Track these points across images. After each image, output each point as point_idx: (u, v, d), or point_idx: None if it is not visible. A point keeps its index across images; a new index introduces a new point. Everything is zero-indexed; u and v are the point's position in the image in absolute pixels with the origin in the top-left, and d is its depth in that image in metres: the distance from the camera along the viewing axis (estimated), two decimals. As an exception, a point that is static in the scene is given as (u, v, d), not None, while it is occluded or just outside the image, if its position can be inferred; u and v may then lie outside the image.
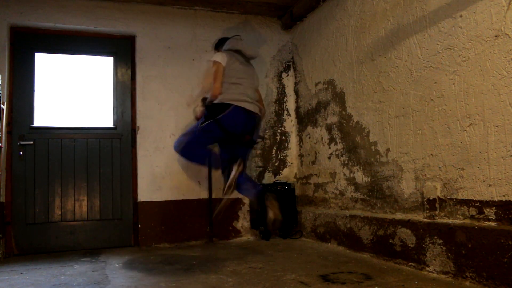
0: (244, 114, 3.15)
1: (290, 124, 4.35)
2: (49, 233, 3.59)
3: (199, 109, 3.25)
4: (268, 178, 4.20)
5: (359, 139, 3.24)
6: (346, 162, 3.41)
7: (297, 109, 4.30)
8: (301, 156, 4.21)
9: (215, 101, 3.12)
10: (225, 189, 3.11)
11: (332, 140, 3.63)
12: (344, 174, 3.43)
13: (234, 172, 3.06)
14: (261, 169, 4.19)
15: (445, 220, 2.37)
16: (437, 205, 2.44)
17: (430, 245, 2.44)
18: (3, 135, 3.34)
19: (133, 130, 3.88)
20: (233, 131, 3.13)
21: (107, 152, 3.80)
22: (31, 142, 3.59)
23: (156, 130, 3.87)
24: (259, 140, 3.46)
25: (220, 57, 3.20)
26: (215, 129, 3.11)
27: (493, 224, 2.10)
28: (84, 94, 3.87)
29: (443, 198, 2.41)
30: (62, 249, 3.60)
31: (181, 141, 3.23)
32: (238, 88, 3.16)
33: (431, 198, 2.48)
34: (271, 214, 2.91)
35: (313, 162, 3.94)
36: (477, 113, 2.21)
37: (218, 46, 3.51)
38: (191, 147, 3.20)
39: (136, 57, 3.90)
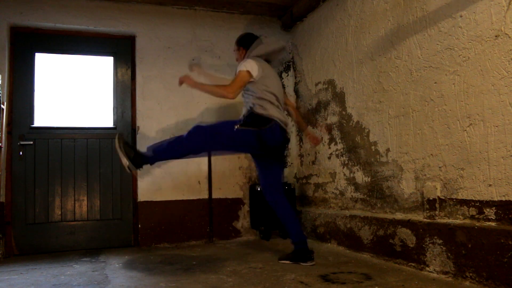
0: (279, 129, 2.88)
1: (290, 124, 4.34)
2: (49, 233, 3.59)
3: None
4: (268, 178, 4.19)
5: (359, 139, 3.24)
6: (346, 162, 3.41)
7: (297, 109, 4.30)
8: (301, 156, 4.21)
9: (256, 112, 2.84)
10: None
11: (332, 140, 3.63)
12: (344, 174, 3.43)
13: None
14: (261, 169, 4.19)
15: (445, 220, 2.37)
16: (437, 205, 2.44)
17: (430, 245, 2.44)
18: (3, 135, 3.34)
19: (133, 130, 3.88)
20: (271, 145, 2.85)
21: (107, 152, 3.80)
22: (31, 142, 3.59)
23: (156, 130, 3.87)
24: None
25: (250, 66, 2.86)
26: (250, 138, 2.80)
27: (493, 224, 2.10)
28: (84, 94, 3.87)
29: (443, 198, 2.41)
30: (62, 249, 3.60)
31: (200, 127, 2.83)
32: (274, 105, 2.91)
33: (431, 198, 2.48)
34: None
35: (313, 162, 3.94)
36: (477, 113, 2.21)
37: (244, 44, 3.15)
38: (205, 138, 2.78)
39: (136, 57, 3.90)
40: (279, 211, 2.95)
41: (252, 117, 2.83)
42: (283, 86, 4.33)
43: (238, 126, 2.79)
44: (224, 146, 2.88)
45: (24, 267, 2.98)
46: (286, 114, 3.24)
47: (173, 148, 2.79)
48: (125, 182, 3.83)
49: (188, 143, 2.77)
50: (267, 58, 3.08)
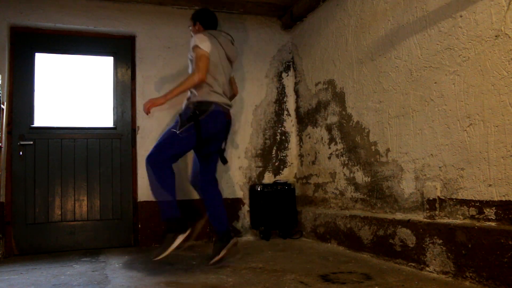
0: (224, 118, 2.89)
1: (290, 124, 4.35)
2: (49, 233, 3.59)
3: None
4: (268, 178, 4.20)
5: (359, 139, 3.24)
6: (346, 162, 3.41)
7: (297, 109, 4.31)
8: (301, 156, 4.21)
9: (196, 99, 2.81)
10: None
11: (332, 140, 3.63)
12: (344, 174, 3.43)
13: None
14: (261, 169, 4.19)
15: (445, 220, 2.37)
16: (437, 205, 2.44)
17: (430, 245, 2.44)
18: (3, 135, 3.34)
19: (133, 130, 3.88)
20: (205, 138, 2.82)
21: (107, 152, 3.80)
22: (31, 142, 3.59)
23: (156, 130, 3.87)
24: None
25: (205, 43, 2.81)
26: (192, 135, 2.76)
27: (493, 224, 2.10)
28: (84, 94, 3.87)
29: (443, 198, 2.41)
30: (62, 249, 3.60)
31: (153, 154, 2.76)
32: (219, 84, 2.88)
33: (431, 198, 2.48)
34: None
35: (313, 162, 3.94)
36: (477, 113, 2.21)
37: (199, 20, 3.13)
38: (162, 161, 2.73)
39: (136, 57, 3.90)
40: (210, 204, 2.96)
41: (189, 110, 2.78)
42: (282, 87, 4.35)
43: (178, 130, 2.72)
44: (179, 150, 2.80)
45: (24, 267, 2.98)
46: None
47: (160, 190, 2.73)
48: (125, 182, 3.83)
49: (159, 178, 2.71)
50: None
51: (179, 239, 2.63)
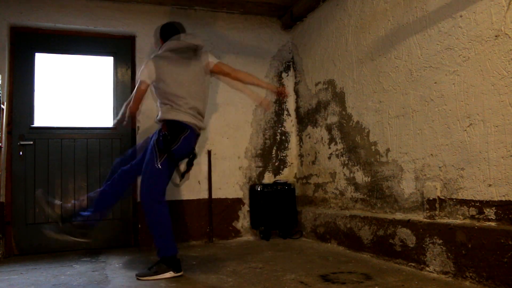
0: (194, 136, 2.83)
1: (290, 124, 4.35)
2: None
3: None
4: (268, 178, 4.20)
5: (359, 139, 3.24)
6: (346, 162, 3.41)
7: (297, 109, 4.31)
8: (301, 156, 4.21)
9: (163, 118, 2.76)
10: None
11: (332, 140, 3.63)
12: (344, 174, 3.43)
13: None
14: (261, 169, 4.19)
15: (445, 220, 2.37)
16: (437, 205, 2.44)
17: (430, 245, 2.44)
18: (3, 135, 3.34)
19: (133, 130, 3.88)
20: (181, 159, 2.87)
21: (107, 152, 3.80)
22: (31, 142, 3.59)
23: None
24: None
25: (147, 72, 2.77)
26: (170, 163, 2.77)
27: (493, 224, 2.10)
28: (84, 94, 3.86)
29: (443, 198, 2.41)
30: (62, 249, 3.59)
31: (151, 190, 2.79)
32: (185, 100, 2.76)
33: (431, 198, 2.48)
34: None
35: (313, 162, 3.94)
36: (477, 113, 2.21)
37: (160, 36, 3.01)
38: (158, 196, 2.83)
39: (136, 57, 3.90)
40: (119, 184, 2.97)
41: (161, 138, 2.72)
42: (283, 87, 4.34)
43: (159, 164, 2.70)
44: (167, 178, 2.89)
45: (24, 267, 2.98)
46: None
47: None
48: (125, 182, 3.82)
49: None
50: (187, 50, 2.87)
51: (169, 274, 2.53)
